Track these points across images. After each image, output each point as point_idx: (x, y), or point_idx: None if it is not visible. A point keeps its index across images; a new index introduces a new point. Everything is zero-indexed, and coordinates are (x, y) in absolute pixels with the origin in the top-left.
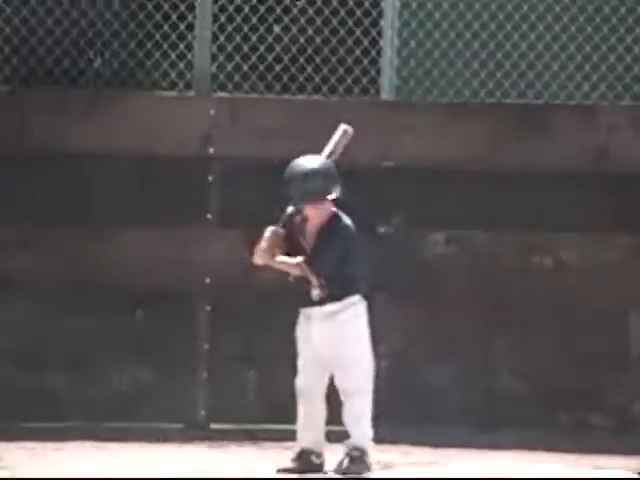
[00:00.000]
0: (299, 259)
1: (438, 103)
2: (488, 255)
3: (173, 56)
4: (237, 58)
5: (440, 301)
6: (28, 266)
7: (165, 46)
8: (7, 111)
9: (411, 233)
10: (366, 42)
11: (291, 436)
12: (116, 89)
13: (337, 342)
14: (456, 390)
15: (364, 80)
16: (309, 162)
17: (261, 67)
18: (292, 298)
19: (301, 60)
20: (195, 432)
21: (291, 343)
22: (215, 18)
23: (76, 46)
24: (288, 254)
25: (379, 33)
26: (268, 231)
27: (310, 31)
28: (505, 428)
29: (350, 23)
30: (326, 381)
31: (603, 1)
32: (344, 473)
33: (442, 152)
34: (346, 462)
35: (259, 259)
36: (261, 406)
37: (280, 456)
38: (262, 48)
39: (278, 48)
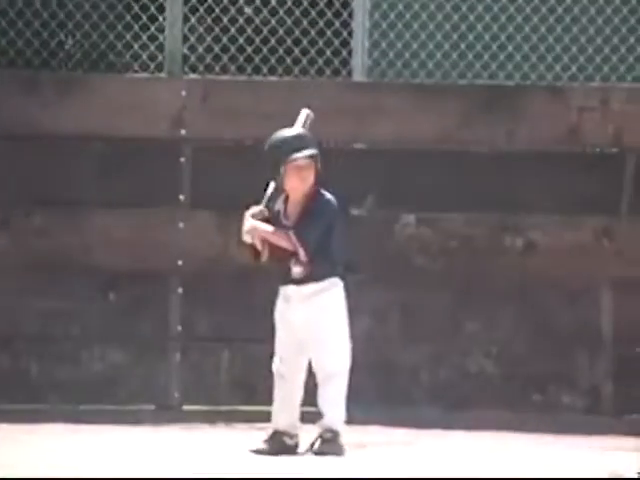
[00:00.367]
0: (289, 232)
1: (410, 84)
2: (459, 236)
3: (144, 38)
4: (208, 40)
5: (412, 282)
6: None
7: (136, 28)
8: None
9: (383, 215)
10: (337, 24)
11: (264, 417)
12: (87, 71)
13: (317, 325)
14: (428, 371)
15: (336, 62)
16: (295, 129)
17: (232, 49)
18: (265, 279)
19: (272, 42)
20: (168, 414)
21: (264, 324)
22: (186, 0)
23: (47, 27)
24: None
25: (350, 14)
26: (253, 209)
27: (281, 12)
28: (478, 408)
29: (321, 4)
30: (305, 364)
31: None
32: (317, 454)
33: (414, 133)
34: (319, 443)
35: (248, 236)
36: (234, 388)
37: (254, 437)
38: (233, 30)
39: (249, 30)
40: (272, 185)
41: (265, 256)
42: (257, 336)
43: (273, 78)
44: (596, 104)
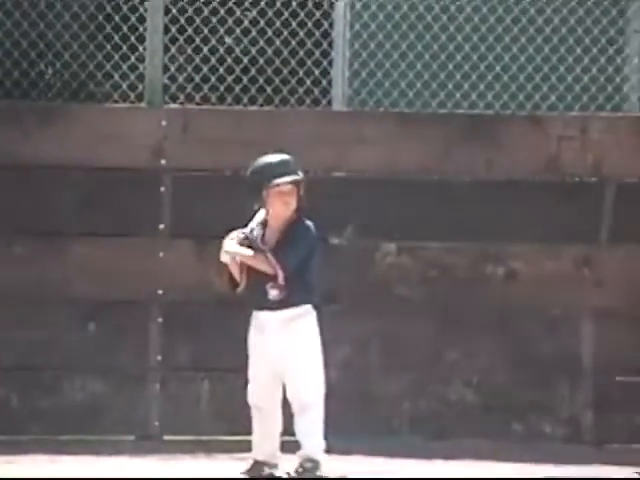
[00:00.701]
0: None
1: (390, 113)
2: (440, 265)
3: (124, 67)
4: (189, 69)
5: (392, 311)
6: None
7: (116, 57)
8: None
9: (363, 244)
10: (317, 53)
11: (246, 447)
12: (67, 101)
13: (292, 353)
14: (409, 400)
15: (316, 91)
16: (278, 155)
17: (213, 78)
18: (245, 308)
19: (253, 71)
20: (148, 444)
21: (244, 354)
22: (166, 29)
23: (27, 57)
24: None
25: (330, 44)
26: (234, 233)
27: (262, 42)
28: (458, 437)
29: (301, 34)
30: (280, 392)
31: (553, 13)
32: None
33: (394, 162)
34: (299, 473)
35: (225, 256)
36: (214, 417)
37: (234, 467)
38: (214, 59)
39: (230, 59)
40: (262, 212)
41: (242, 285)
42: (237, 365)
43: (253, 108)
44: (575, 133)
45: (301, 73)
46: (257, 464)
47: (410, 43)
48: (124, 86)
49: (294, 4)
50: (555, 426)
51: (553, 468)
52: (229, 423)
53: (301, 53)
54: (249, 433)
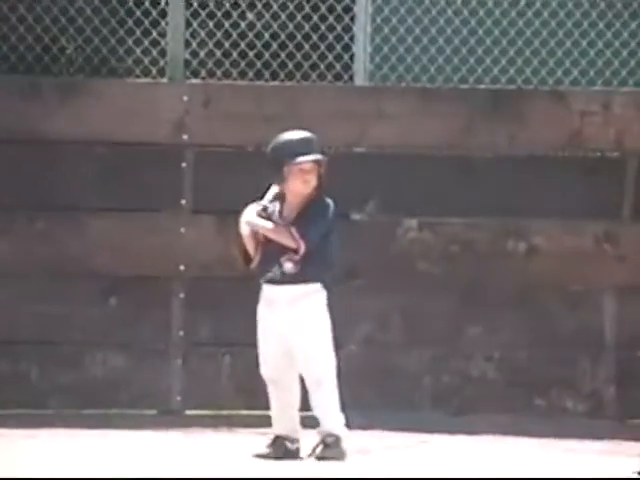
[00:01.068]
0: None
1: (412, 89)
2: (462, 241)
3: (146, 43)
4: (210, 45)
5: (413, 287)
6: (1, 252)
7: (138, 33)
8: None
9: (384, 220)
10: (339, 28)
11: (267, 422)
12: (89, 76)
13: (301, 329)
14: (430, 375)
15: (337, 66)
16: (300, 132)
17: (234, 54)
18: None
19: (274, 46)
20: (170, 418)
21: None
22: (188, 4)
23: (49, 33)
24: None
25: (352, 19)
26: (252, 205)
27: (283, 17)
28: (480, 413)
29: (323, 9)
30: (295, 366)
31: None
32: (320, 459)
33: (415, 138)
34: (320, 448)
35: (245, 227)
36: (236, 392)
37: (256, 442)
38: (235, 35)
39: (251, 35)
40: (274, 187)
41: (256, 261)
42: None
43: (275, 83)
44: (598, 108)
45: (323, 48)
46: (278, 439)
47: (432, 18)
48: (146, 61)
49: None
50: (577, 401)
51: (575, 443)
52: (250, 398)
53: (323, 28)
54: (270, 408)
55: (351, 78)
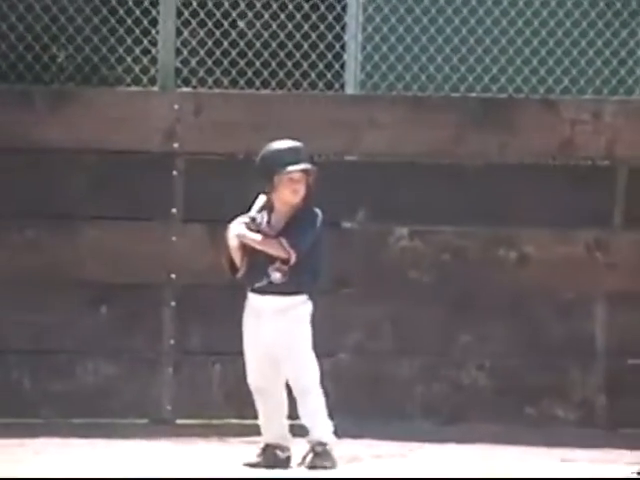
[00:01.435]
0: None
1: (402, 97)
2: (452, 249)
3: (137, 51)
4: (201, 53)
5: (404, 295)
6: None
7: (129, 41)
8: None
9: (375, 228)
10: (330, 37)
11: (257, 431)
12: (80, 84)
13: (286, 339)
14: (421, 384)
15: (328, 75)
16: (289, 141)
17: (225, 62)
18: None
19: (265, 55)
20: (161, 428)
21: None
22: (179, 13)
23: (39, 41)
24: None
25: (343, 28)
26: (240, 218)
27: (274, 26)
28: (470, 421)
29: (314, 18)
30: (281, 374)
31: None
32: (310, 468)
33: (406, 146)
34: (310, 457)
35: (234, 240)
36: (227, 401)
37: (246, 451)
38: (226, 43)
39: (242, 43)
40: (262, 197)
41: (242, 271)
42: None
43: (266, 91)
44: (588, 117)
45: (314, 57)
46: (269, 447)
47: (423, 27)
48: (136, 70)
49: None
50: (568, 410)
51: (566, 451)
52: (241, 406)
53: (314, 37)
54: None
55: (342, 87)
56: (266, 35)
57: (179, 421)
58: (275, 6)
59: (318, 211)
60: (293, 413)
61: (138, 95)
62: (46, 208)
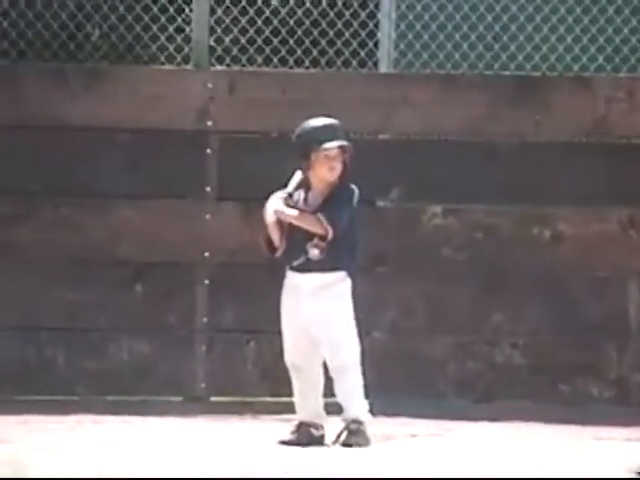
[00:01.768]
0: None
1: (436, 75)
2: (486, 227)
3: (171, 30)
4: (235, 31)
5: (438, 273)
6: (26, 239)
7: (163, 20)
8: (5, 84)
9: (409, 206)
10: (364, 15)
11: (291, 409)
12: (114, 63)
13: (326, 317)
14: (454, 362)
15: (362, 53)
16: (326, 119)
17: (259, 40)
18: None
19: (299, 33)
20: (195, 405)
21: None
22: None
23: (74, 20)
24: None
25: (377, 6)
26: (278, 193)
27: (308, 4)
28: (504, 399)
29: None
30: (319, 352)
31: None
32: (344, 446)
33: (440, 125)
34: (345, 435)
35: (272, 216)
36: (261, 379)
37: (280, 428)
38: (260, 21)
39: (276, 21)
40: (298, 174)
41: (282, 250)
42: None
43: (299, 70)
44: (623, 95)
45: (347, 35)
46: (303, 425)
47: (457, 4)
48: (170, 48)
49: None
50: (602, 388)
51: (600, 430)
52: (275, 384)
53: (347, 15)
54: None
55: (375, 65)
56: (299, 13)
57: (213, 399)
58: None
59: (354, 188)
60: (327, 391)
61: (172, 73)
62: (80, 187)
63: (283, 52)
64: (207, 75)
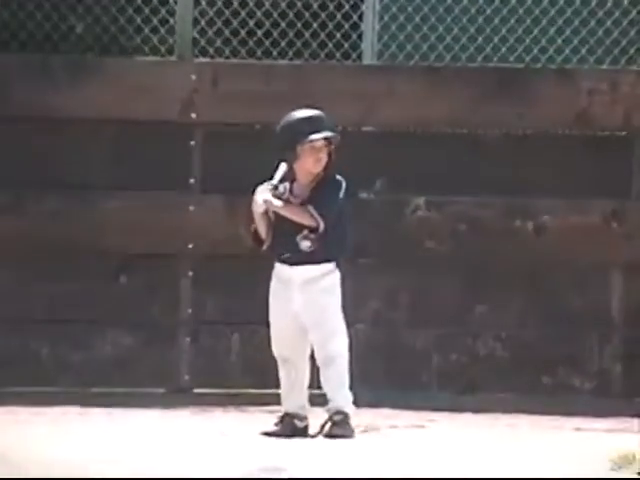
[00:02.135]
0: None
1: (420, 67)
2: (469, 219)
3: (155, 21)
4: (219, 23)
5: (421, 266)
6: (10, 230)
7: (147, 11)
8: None
9: (392, 198)
10: (347, 7)
11: (275, 400)
12: (98, 54)
13: (317, 308)
14: (438, 354)
15: (345, 45)
16: (310, 110)
17: (242, 32)
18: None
19: (282, 25)
20: (179, 397)
21: None
22: None
23: (58, 11)
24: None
25: None
26: (264, 185)
27: None
28: (487, 391)
29: None
30: (307, 344)
31: None
32: (328, 437)
33: (423, 116)
34: (329, 426)
35: (261, 207)
36: (244, 370)
37: (264, 420)
38: (243, 13)
39: (259, 13)
40: (283, 165)
41: (268, 242)
42: (267, 319)
43: (283, 61)
44: (605, 87)
45: (331, 27)
46: (287, 416)
47: None
48: (154, 40)
49: None
50: (584, 379)
51: (582, 421)
52: (259, 376)
53: (331, 6)
54: (279, 386)
55: (359, 57)
56: (283, 5)
57: (197, 390)
58: None
59: (341, 179)
60: (312, 382)
61: (156, 65)
62: (64, 178)
63: (267, 44)
64: (191, 67)
